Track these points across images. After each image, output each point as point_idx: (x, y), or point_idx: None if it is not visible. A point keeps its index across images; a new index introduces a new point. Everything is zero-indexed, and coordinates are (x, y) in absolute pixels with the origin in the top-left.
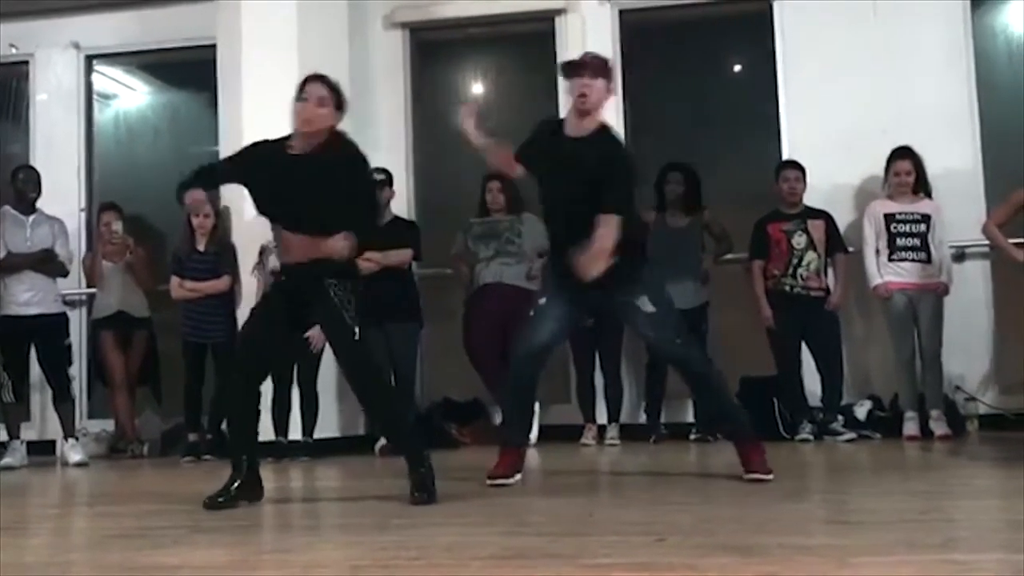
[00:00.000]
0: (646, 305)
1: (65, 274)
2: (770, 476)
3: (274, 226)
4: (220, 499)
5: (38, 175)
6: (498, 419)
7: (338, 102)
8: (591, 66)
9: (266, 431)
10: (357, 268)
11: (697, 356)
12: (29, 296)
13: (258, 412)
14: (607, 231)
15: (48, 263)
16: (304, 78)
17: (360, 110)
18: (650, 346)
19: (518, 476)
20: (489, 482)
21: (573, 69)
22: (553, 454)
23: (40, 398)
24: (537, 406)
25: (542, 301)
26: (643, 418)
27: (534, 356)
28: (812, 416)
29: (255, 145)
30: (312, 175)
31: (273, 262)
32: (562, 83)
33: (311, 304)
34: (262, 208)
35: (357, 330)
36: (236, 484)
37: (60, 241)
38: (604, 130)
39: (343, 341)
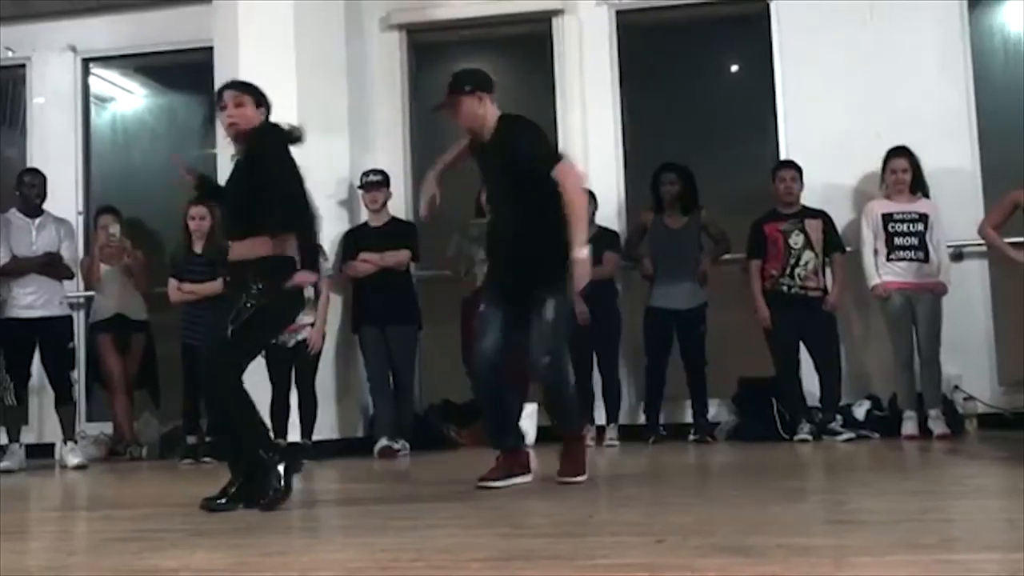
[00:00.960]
0: (548, 311)
1: (71, 276)
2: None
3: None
4: (220, 501)
5: (44, 178)
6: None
7: (257, 100)
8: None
9: None
10: (281, 269)
11: (557, 379)
12: (33, 299)
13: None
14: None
15: (53, 267)
16: (217, 89)
17: (357, 111)
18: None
19: (519, 479)
20: (478, 484)
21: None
22: (551, 456)
23: (39, 401)
24: (535, 407)
25: (481, 307)
26: (642, 419)
27: (487, 362)
28: (811, 416)
29: None
30: (231, 178)
31: None
32: (559, 82)
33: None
34: None
35: (231, 331)
36: (235, 487)
37: (66, 243)
38: (503, 121)
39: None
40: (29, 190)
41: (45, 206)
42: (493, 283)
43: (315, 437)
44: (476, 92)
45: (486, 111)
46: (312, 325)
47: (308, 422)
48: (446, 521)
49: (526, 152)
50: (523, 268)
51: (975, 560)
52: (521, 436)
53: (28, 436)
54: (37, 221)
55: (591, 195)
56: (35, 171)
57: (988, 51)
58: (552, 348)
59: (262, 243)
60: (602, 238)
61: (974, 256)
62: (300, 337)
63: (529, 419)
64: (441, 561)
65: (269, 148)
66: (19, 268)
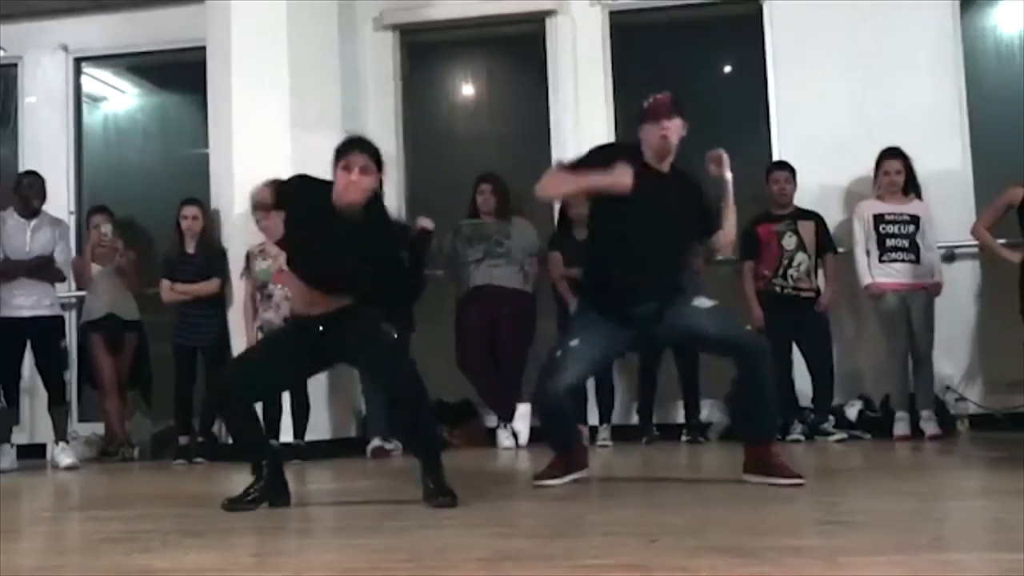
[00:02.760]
0: (703, 302)
1: (63, 279)
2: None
3: None
4: (248, 500)
5: (42, 181)
6: (490, 422)
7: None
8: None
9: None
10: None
11: (764, 344)
12: (24, 300)
13: (257, 417)
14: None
15: (45, 270)
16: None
17: (350, 111)
18: (721, 343)
19: (573, 476)
20: (535, 483)
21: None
22: (544, 456)
23: (30, 401)
24: (528, 407)
25: (573, 343)
26: (635, 419)
27: (561, 398)
28: (803, 416)
29: None
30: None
31: (260, 267)
32: (552, 83)
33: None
34: None
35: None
36: (257, 488)
37: (60, 246)
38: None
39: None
40: (28, 191)
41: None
42: (604, 316)
43: (308, 437)
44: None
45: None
46: None
47: (301, 422)
48: (438, 522)
49: (710, 203)
50: (665, 294)
51: (967, 560)
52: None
53: (20, 437)
54: (33, 223)
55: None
56: (34, 173)
57: (980, 53)
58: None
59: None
60: None
61: (966, 257)
62: None
63: (522, 420)
64: (433, 561)
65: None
66: (11, 271)
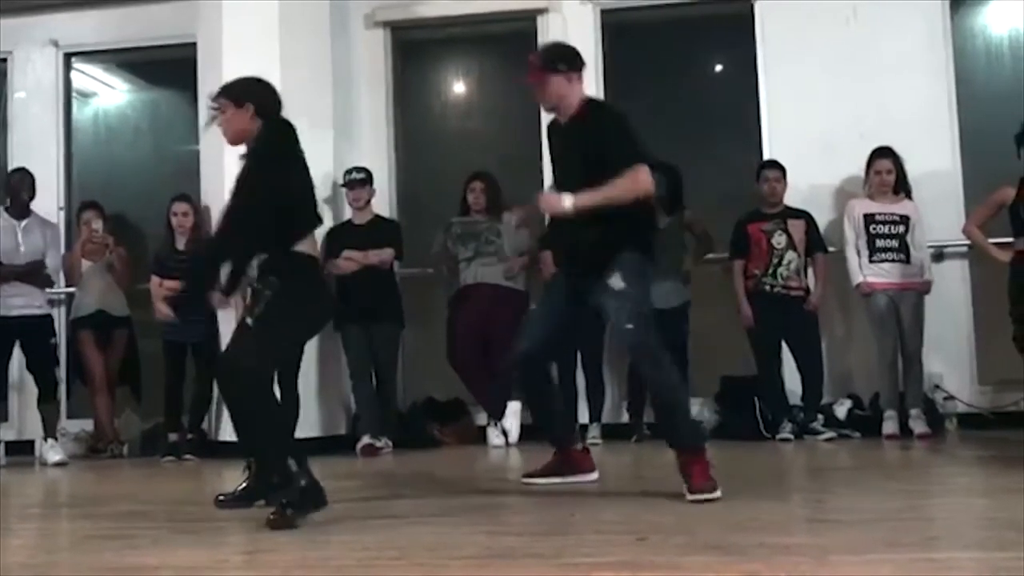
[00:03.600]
0: (616, 282)
1: (52, 285)
2: (717, 494)
3: None
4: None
5: (32, 178)
6: (480, 420)
7: (235, 100)
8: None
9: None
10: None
11: (648, 344)
12: (14, 300)
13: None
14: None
15: (36, 275)
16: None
17: (342, 109)
18: (614, 332)
19: (584, 476)
20: (524, 480)
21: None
22: (534, 454)
23: (18, 397)
24: (519, 405)
25: (532, 307)
26: (625, 417)
27: (524, 361)
28: (792, 415)
29: None
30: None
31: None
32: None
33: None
34: None
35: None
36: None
37: (51, 252)
38: (587, 106)
39: None
40: (18, 186)
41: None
42: (560, 275)
43: (297, 434)
44: (567, 72)
45: (572, 92)
46: None
47: (291, 419)
48: (429, 519)
49: (612, 144)
50: (585, 254)
51: (955, 559)
52: (573, 433)
53: (7, 433)
54: (24, 224)
55: None
56: (23, 171)
57: (970, 53)
58: (635, 319)
59: None
60: None
61: (955, 256)
62: None
63: (513, 417)
64: (423, 559)
65: (258, 145)
66: (3, 276)
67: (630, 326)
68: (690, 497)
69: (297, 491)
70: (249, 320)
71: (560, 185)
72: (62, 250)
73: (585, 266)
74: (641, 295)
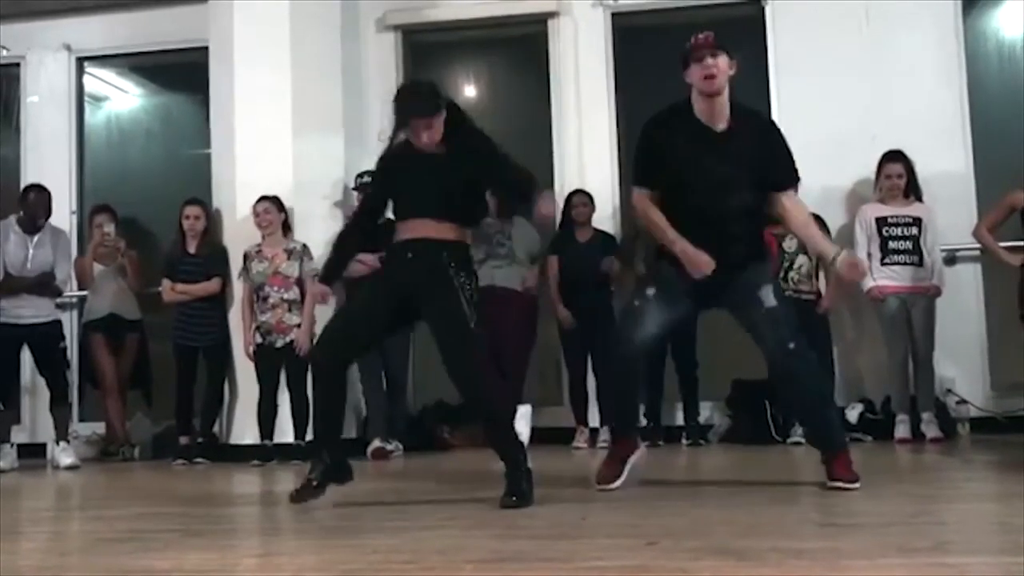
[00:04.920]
0: (768, 298)
1: (60, 295)
2: (856, 484)
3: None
4: (313, 483)
5: (48, 196)
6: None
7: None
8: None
9: (251, 434)
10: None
11: (810, 369)
12: (24, 311)
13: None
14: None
15: (46, 287)
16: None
17: (353, 112)
18: (763, 349)
19: (630, 463)
20: (600, 488)
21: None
22: (545, 457)
23: (31, 401)
24: (529, 408)
25: (650, 292)
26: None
27: (640, 350)
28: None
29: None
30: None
31: (256, 269)
32: (554, 84)
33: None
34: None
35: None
36: (322, 470)
37: (60, 262)
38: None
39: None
40: (34, 209)
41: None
42: (680, 271)
43: (308, 438)
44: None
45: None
46: (299, 326)
47: (301, 423)
48: (439, 522)
49: (780, 152)
50: (735, 259)
51: (968, 563)
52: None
53: (20, 436)
54: (36, 238)
55: (589, 197)
56: (41, 188)
57: (982, 55)
58: (794, 335)
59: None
60: (601, 241)
61: (967, 260)
62: (289, 338)
63: (523, 420)
64: (435, 562)
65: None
66: (11, 287)
67: (792, 344)
68: (833, 485)
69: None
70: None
71: (708, 201)
72: (73, 250)
73: (730, 271)
74: (788, 310)
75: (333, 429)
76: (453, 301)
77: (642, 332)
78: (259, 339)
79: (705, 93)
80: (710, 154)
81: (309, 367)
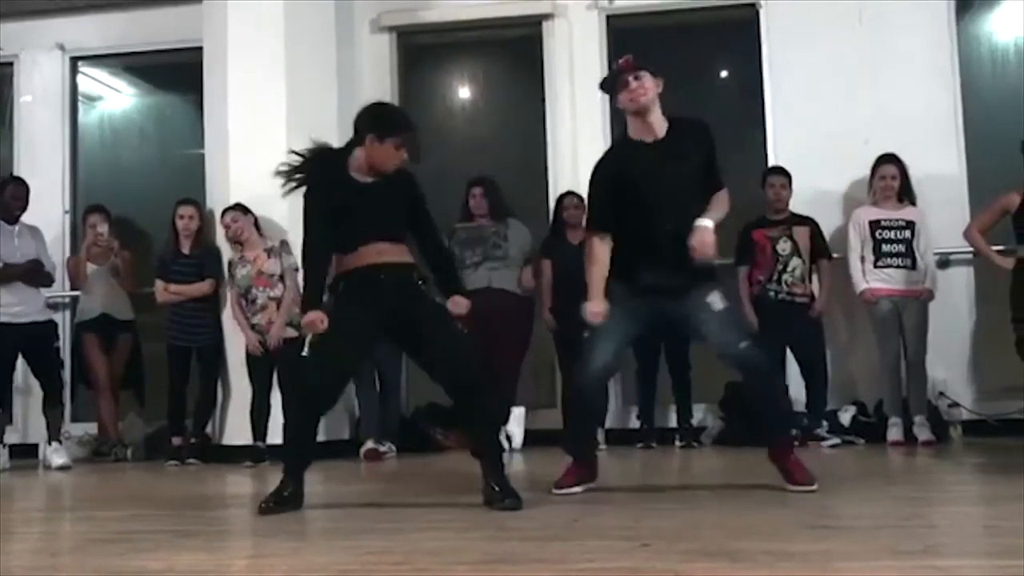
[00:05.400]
0: (716, 302)
1: (51, 284)
2: (813, 487)
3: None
4: (272, 503)
5: (26, 190)
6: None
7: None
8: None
9: (244, 435)
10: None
11: (761, 357)
12: (16, 307)
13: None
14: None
15: (37, 274)
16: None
17: (347, 114)
18: (717, 350)
19: (585, 486)
20: (555, 491)
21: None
22: (538, 459)
23: (23, 401)
24: (523, 411)
25: (598, 323)
26: (627, 422)
27: (599, 379)
28: (796, 422)
29: None
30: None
31: (240, 274)
32: (548, 86)
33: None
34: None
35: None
36: (289, 492)
37: (43, 251)
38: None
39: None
40: (12, 201)
41: (31, 208)
42: (629, 294)
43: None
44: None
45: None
46: (289, 324)
47: None
48: (432, 524)
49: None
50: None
51: (959, 566)
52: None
53: (12, 436)
54: (16, 228)
55: (580, 198)
56: (18, 181)
57: (975, 58)
58: (742, 333)
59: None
60: None
61: (960, 263)
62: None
63: (516, 423)
64: (427, 564)
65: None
66: (7, 274)
67: (744, 344)
68: (792, 488)
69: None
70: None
71: (655, 209)
72: (65, 246)
73: (676, 287)
74: (736, 312)
75: (306, 457)
76: (443, 314)
77: (596, 361)
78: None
79: (633, 112)
80: (653, 162)
81: (300, 387)
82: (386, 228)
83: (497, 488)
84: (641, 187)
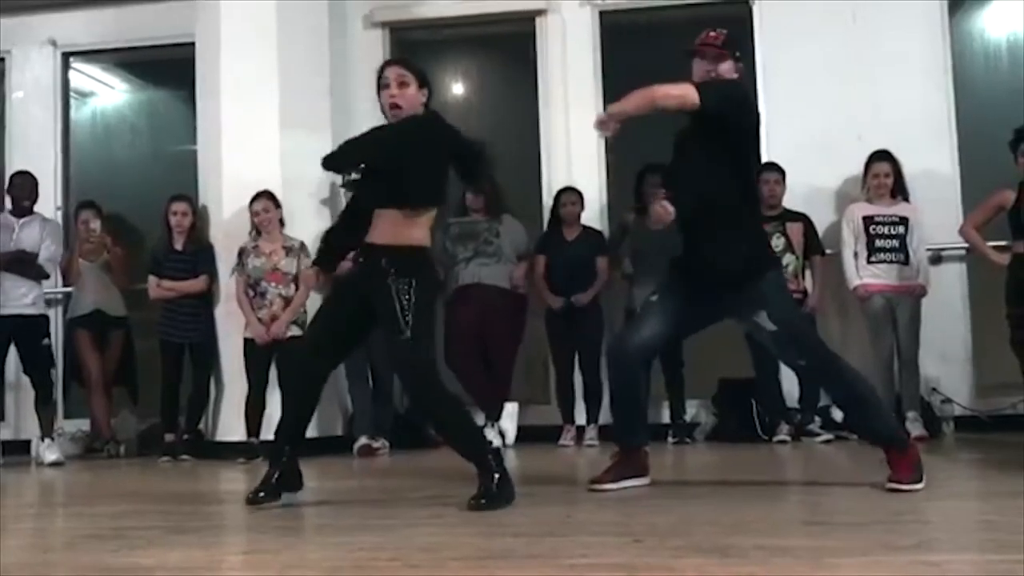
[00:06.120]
0: (766, 323)
1: (46, 276)
2: (919, 486)
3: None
4: (261, 494)
5: (33, 181)
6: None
7: (420, 81)
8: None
9: (237, 432)
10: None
11: (831, 381)
12: (5, 298)
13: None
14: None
15: (22, 264)
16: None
17: (340, 109)
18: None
19: (634, 481)
20: (592, 487)
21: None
22: (532, 455)
23: (15, 397)
24: (515, 407)
25: (653, 297)
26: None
27: (632, 356)
28: (790, 417)
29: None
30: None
31: (252, 264)
32: (542, 82)
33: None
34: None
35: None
36: (276, 476)
37: (46, 244)
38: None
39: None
40: (18, 192)
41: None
42: (684, 279)
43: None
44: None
45: None
46: (294, 323)
47: None
48: (425, 520)
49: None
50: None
51: (951, 561)
52: (647, 435)
53: (4, 432)
54: (22, 221)
55: (579, 195)
56: (25, 173)
57: (968, 56)
58: (802, 350)
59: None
60: (589, 239)
61: (953, 259)
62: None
63: (509, 419)
64: (420, 560)
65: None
66: None
67: (803, 362)
68: (890, 486)
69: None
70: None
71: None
72: (60, 243)
73: (724, 285)
74: (793, 316)
75: (299, 433)
76: (389, 308)
77: (637, 335)
78: (248, 335)
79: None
80: (676, 151)
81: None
82: (389, 196)
83: (478, 487)
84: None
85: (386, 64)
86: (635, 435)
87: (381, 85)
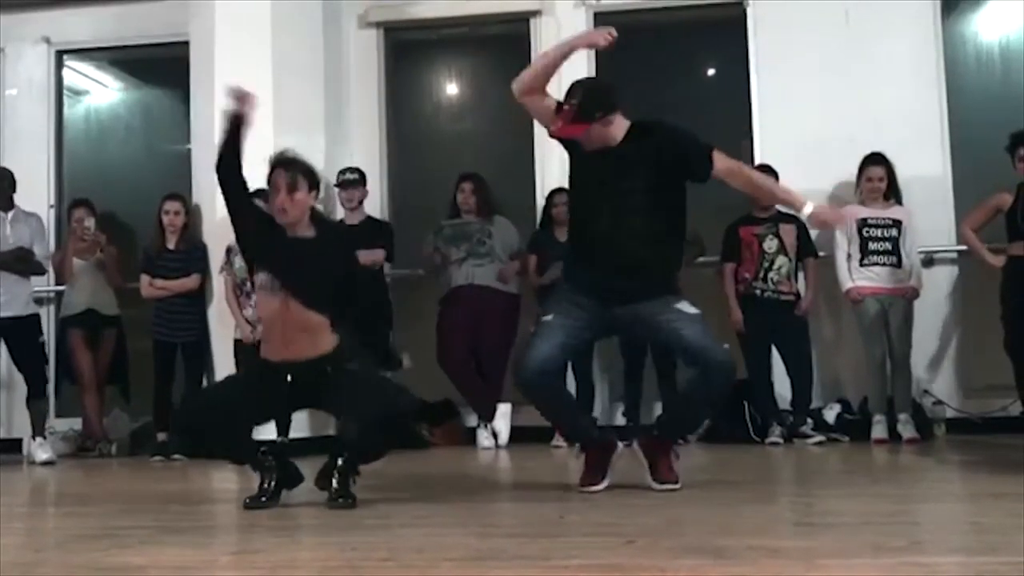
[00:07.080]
0: (687, 307)
1: (43, 272)
2: (677, 486)
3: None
4: (263, 499)
5: (11, 173)
6: (470, 421)
7: (311, 183)
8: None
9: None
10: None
11: (732, 367)
12: (1, 299)
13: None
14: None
15: (25, 262)
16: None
17: (334, 109)
18: (693, 353)
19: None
20: (581, 489)
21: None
22: (524, 456)
23: (6, 396)
24: (509, 407)
25: (547, 318)
26: (616, 420)
27: (534, 372)
28: (781, 419)
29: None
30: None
31: (238, 263)
32: None
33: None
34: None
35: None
36: (272, 481)
37: (38, 241)
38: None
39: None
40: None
41: (17, 201)
42: (581, 295)
43: (289, 435)
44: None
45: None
46: None
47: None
48: (418, 520)
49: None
50: (644, 275)
51: (942, 563)
52: (594, 432)
53: None
54: (10, 215)
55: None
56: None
57: (961, 58)
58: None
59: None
60: None
61: (945, 262)
62: None
63: (503, 419)
64: (413, 560)
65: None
66: None
67: (726, 346)
68: (656, 486)
69: None
70: None
71: (607, 215)
72: (50, 240)
73: (636, 290)
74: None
75: (249, 453)
76: (363, 379)
77: (533, 356)
78: (239, 335)
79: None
80: (603, 172)
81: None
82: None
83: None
84: (592, 193)
85: (275, 166)
86: (591, 435)
87: (272, 188)
